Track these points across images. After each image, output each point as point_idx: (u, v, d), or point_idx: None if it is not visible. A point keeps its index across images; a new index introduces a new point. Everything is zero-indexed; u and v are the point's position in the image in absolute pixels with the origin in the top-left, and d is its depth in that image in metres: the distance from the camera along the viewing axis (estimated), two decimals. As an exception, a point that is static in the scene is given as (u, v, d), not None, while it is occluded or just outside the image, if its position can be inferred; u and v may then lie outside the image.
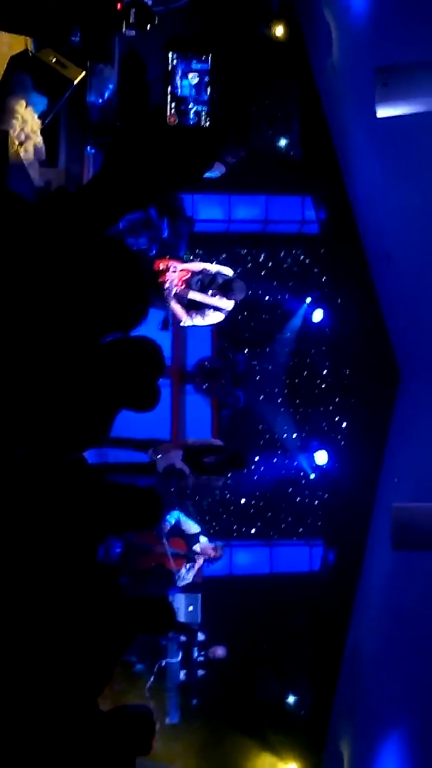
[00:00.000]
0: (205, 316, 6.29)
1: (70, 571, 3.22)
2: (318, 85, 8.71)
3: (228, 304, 6.35)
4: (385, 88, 5.55)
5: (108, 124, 6.43)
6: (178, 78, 5.59)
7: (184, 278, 6.16)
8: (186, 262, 6.72)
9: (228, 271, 6.46)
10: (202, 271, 6.32)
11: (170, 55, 5.65)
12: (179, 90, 5.60)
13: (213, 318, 6.39)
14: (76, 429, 3.08)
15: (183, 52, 5.68)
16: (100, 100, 6.11)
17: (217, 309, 6.24)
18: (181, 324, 6.24)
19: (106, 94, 6.13)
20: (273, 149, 8.91)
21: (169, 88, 5.58)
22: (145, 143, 2.87)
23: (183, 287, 6.05)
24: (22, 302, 2.73)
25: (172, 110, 5.56)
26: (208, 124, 5.58)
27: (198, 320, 6.35)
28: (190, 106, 5.59)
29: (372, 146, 7.64)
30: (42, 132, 4.36)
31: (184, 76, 5.67)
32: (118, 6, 6.21)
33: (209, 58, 5.67)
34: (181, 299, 6.17)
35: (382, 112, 5.60)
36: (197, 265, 6.31)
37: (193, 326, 6.39)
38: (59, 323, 2.87)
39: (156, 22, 5.82)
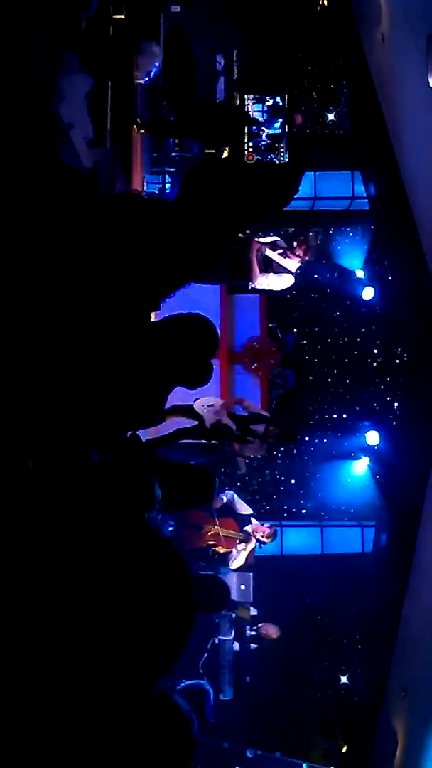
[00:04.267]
0: (278, 278, 6.32)
1: (132, 547, 3.25)
2: (367, 56, 8.49)
3: (294, 265, 6.38)
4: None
5: (157, 109, 6.42)
6: (251, 111, 5.62)
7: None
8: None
9: (276, 238, 6.49)
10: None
11: (245, 97, 5.71)
12: (252, 114, 5.63)
13: (286, 281, 6.42)
14: (132, 407, 3.09)
15: (257, 95, 5.71)
16: (146, 79, 6.08)
17: (287, 271, 6.25)
18: (253, 285, 6.30)
19: (153, 73, 6.10)
20: (321, 124, 8.75)
21: (246, 128, 5.61)
22: (225, 185, 2.86)
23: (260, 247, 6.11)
24: (76, 278, 2.73)
25: (250, 148, 5.59)
26: (286, 156, 5.59)
27: (272, 283, 6.38)
28: (263, 129, 5.61)
29: (424, 118, 7.43)
30: (88, 112, 4.35)
31: (257, 101, 5.70)
32: (163, -16, 6.17)
33: (285, 97, 5.68)
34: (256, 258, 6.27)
35: (436, 81, 5.45)
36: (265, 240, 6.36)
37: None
38: (113, 300, 2.87)
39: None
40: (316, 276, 9.09)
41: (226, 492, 6.80)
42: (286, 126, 5.51)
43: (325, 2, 8.27)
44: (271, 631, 6.89)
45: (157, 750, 2.56)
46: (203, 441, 6.51)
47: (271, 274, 6.27)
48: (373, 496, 9.21)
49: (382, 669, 8.67)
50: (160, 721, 2.76)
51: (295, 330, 9.07)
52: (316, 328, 9.22)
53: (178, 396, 3.58)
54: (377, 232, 9.04)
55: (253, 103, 5.54)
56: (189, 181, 2.85)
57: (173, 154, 7.18)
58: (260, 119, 5.53)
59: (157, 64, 6.24)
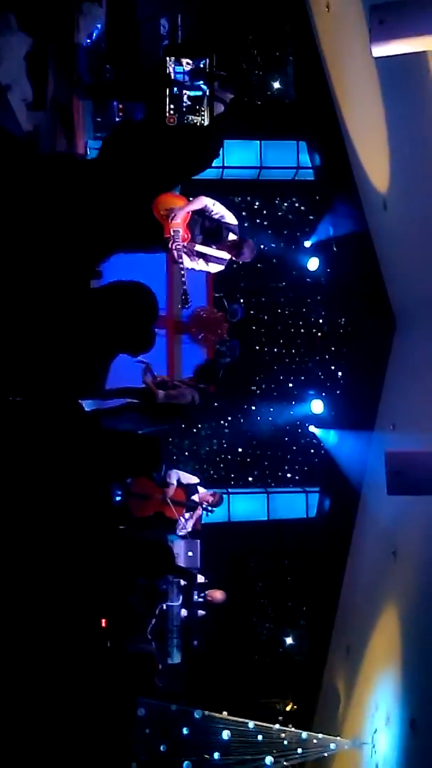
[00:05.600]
0: (206, 264, 6.19)
1: (69, 514, 3.27)
2: (313, 24, 8.45)
3: (228, 255, 6.25)
4: (381, 26, 5.40)
5: (99, 72, 6.25)
6: (173, 74, 5.48)
7: (186, 222, 5.99)
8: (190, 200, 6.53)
9: (232, 219, 6.31)
10: (205, 210, 6.15)
11: (167, 60, 5.57)
12: (173, 76, 5.50)
13: (213, 267, 6.29)
14: (74, 374, 3.08)
15: (179, 58, 5.58)
16: (88, 41, 5.94)
17: (218, 261, 6.14)
18: (181, 266, 6.12)
19: (95, 35, 5.96)
20: (266, 92, 8.71)
21: (167, 90, 5.47)
22: (144, 146, 2.82)
23: (188, 240, 5.92)
24: (16, 247, 2.70)
25: (171, 110, 5.45)
26: (207, 120, 5.47)
27: (200, 265, 6.23)
28: (184, 92, 5.49)
29: (368, 88, 7.47)
30: (28, 74, 4.24)
31: (178, 63, 5.56)
32: None
33: (208, 60, 5.57)
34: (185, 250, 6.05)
35: (378, 51, 5.46)
36: (199, 202, 6.13)
37: (190, 272, 6.28)
38: (52, 270, 2.86)
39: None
40: (262, 246, 9.11)
41: (170, 473, 6.85)
42: (208, 88, 5.43)
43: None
44: (218, 595, 7.02)
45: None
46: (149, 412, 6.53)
47: (201, 260, 6.16)
48: (317, 463, 9.40)
49: (326, 630, 8.94)
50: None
51: (241, 300, 9.11)
52: (263, 298, 9.28)
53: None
54: (322, 202, 9.10)
55: (175, 65, 5.44)
56: (109, 143, 2.83)
57: (117, 118, 7.05)
58: (182, 81, 5.43)
59: (100, 26, 6.09)
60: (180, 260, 5.77)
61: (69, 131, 5.80)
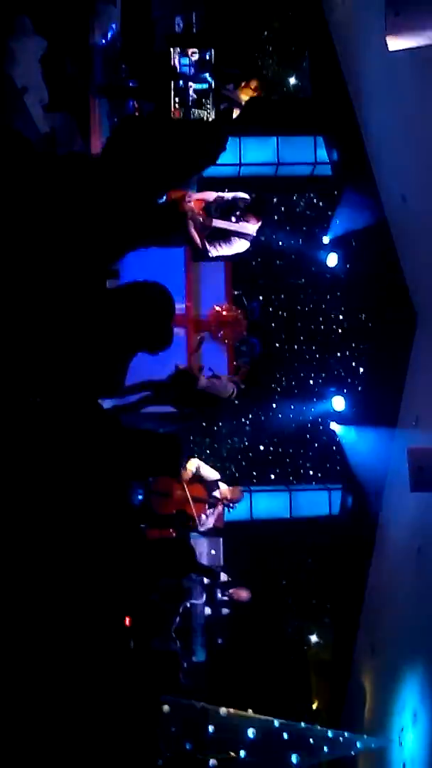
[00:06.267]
0: (231, 245, 6.12)
1: (90, 514, 3.29)
2: (328, 19, 8.41)
3: (253, 228, 6.17)
4: (397, 19, 5.37)
5: (115, 72, 6.26)
6: (178, 66, 5.46)
7: (201, 207, 5.95)
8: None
9: (243, 195, 6.26)
10: (216, 199, 6.12)
11: (171, 49, 5.53)
12: (179, 68, 5.47)
13: (239, 246, 6.20)
14: (93, 374, 3.10)
15: (184, 49, 5.55)
16: (104, 41, 5.96)
17: (242, 236, 6.06)
18: (210, 255, 6.06)
19: (110, 35, 5.97)
20: (283, 88, 8.67)
21: (172, 84, 5.44)
22: (148, 141, 2.82)
23: (204, 216, 5.86)
24: (28, 248, 2.72)
25: (176, 104, 5.42)
26: (212, 113, 5.43)
27: (225, 249, 6.15)
28: (190, 84, 5.45)
29: (385, 82, 7.41)
30: (43, 76, 4.27)
31: (184, 55, 5.52)
32: None
33: (212, 50, 5.53)
34: (204, 230, 5.97)
35: (394, 44, 5.43)
36: (211, 194, 6.11)
37: (206, 269, 6.25)
38: (67, 270, 2.87)
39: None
40: (281, 243, 9.08)
41: (193, 461, 6.85)
42: (213, 81, 5.38)
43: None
44: (243, 594, 7.01)
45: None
46: (173, 408, 6.52)
47: (223, 245, 6.06)
48: (339, 460, 9.35)
49: (351, 628, 8.89)
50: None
51: (260, 297, 9.08)
52: (282, 295, 9.24)
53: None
54: (340, 197, 9.04)
55: (180, 57, 5.40)
56: (112, 139, 2.84)
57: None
58: (187, 74, 5.38)
59: (114, 26, 6.10)
60: (203, 247, 5.70)
61: (85, 132, 5.82)
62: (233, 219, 5.90)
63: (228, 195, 5.95)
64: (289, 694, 8.81)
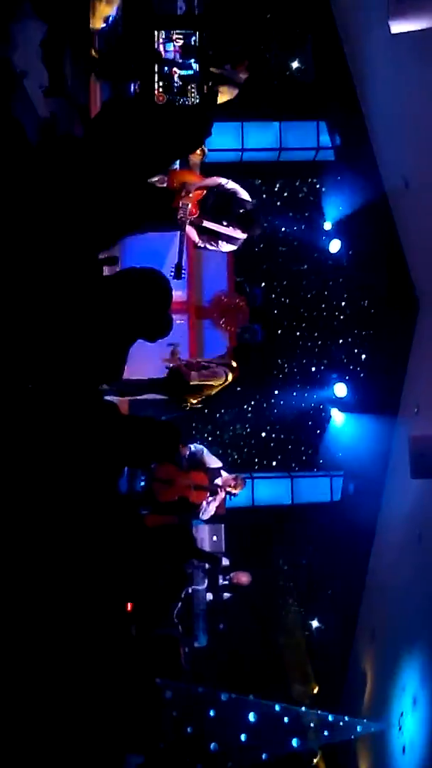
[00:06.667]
0: (217, 246, 6.09)
1: (89, 501, 3.29)
2: (331, 3, 8.32)
3: (241, 236, 6.15)
4: (399, 2, 5.33)
5: (113, 56, 6.19)
6: (162, 51, 5.38)
7: (198, 199, 5.88)
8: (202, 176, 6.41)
9: (245, 195, 6.19)
10: (218, 187, 6.05)
11: (156, 33, 5.45)
12: (164, 54, 5.39)
13: (225, 248, 6.20)
14: (90, 361, 3.09)
15: (169, 34, 5.47)
16: (104, 26, 5.90)
17: (230, 240, 6.04)
18: (196, 244, 6.03)
19: (111, 18, 5.91)
20: (285, 72, 8.59)
21: (156, 67, 5.37)
22: (132, 124, 2.80)
23: (197, 215, 5.81)
24: (25, 238, 2.71)
25: (160, 89, 5.35)
26: (197, 99, 5.35)
27: (211, 247, 6.13)
28: (174, 70, 5.38)
29: (387, 65, 7.35)
30: (44, 60, 4.23)
31: (168, 40, 5.44)
32: None
33: (197, 34, 5.45)
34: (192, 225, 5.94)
35: (397, 27, 5.39)
36: (213, 180, 6.04)
37: (207, 255, 6.18)
38: (61, 256, 2.86)
39: None
40: (283, 229, 9.03)
41: (196, 445, 6.86)
42: (198, 67, 5.30)
43: None
44: (243, 578, 7.04)
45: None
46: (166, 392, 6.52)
47: (211, 243, 6.03)
48: (341, 447, 9.35)
49: (351, 613, 8.94)
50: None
51: (263, 284, 9.05)
52: (284, 282, 9.21)
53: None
54: (343, 182, 8.98)
55: (165, 42, 5.32)
56: (95, 122, 2.82)
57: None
58: (171, 59, 5.31)
59: (116, 9, 6.03)
60: (183, 231, 5.65)
61: (86, 116, 5.77)
62: (224, 223, 5.84)
63: (230, 187, 5.85)
64: (289, 678, 8.87)
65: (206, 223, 5.76)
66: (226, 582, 6.97)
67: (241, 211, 5.75)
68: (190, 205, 5.56)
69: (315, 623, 9.20)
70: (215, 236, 5.84)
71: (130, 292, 3.05)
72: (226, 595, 6.97)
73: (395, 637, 8.00)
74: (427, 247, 8.26)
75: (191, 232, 5.71)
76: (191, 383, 6.25)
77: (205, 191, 5.72)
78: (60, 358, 2.91)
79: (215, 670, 7.33)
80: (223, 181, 5.82)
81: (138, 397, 6.37)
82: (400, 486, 8.13)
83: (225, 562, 7.08)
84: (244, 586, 7.01)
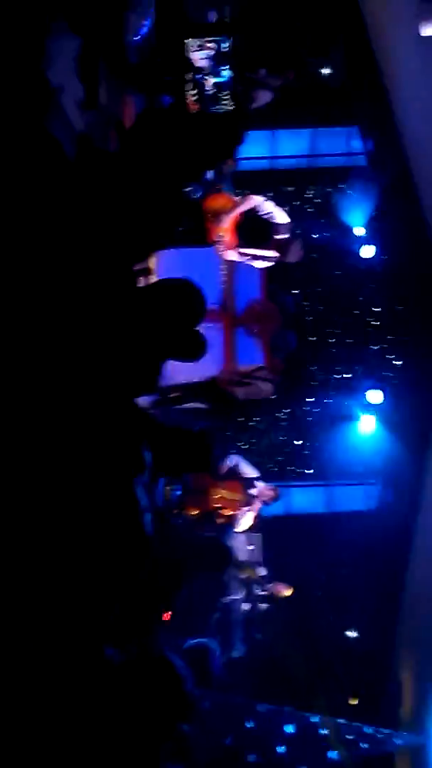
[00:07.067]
0: (252, 261, 6.12)
1: (121, 513, 3.28)
2: (361, 7, 8.29)
3: (274, 256, 6.16)
4: (429, 5, 5.29)
5: (150, 68, 6.24)
6: (195, 59, 5.41)
7: (234, 224, 5.92)
8: (235, 198, 6.43)
9: (283, 217, 6.16)
10: (255, 209, 6.04)
11: (187, 40, 5.49)
12: (196, 62, 5.41)
13: (259, 264, 6.22)
14: (124, 378, 3.09)
15: (201, 43, 5.50)
16: (137, 38, 5.94)
17: (265, 259, 6.07)
18: (222, 269, 6.08)
19: (144, 31, 5.95)
20: (316, 79, 8.57)
21: (188, 75, 5.39)
22: (166, 133, 2.81)
23: (235, 244, 5.86)
24: (54, 253, 2.73)
25: (192, 97, 5.39)
26: (231, 106, 5.37)
27: (245, 261, 6.17)
28: (207, 78, 5.40)
29: (419, 69, 7.28)
30: (78, 74, 4.26)
31: (201, 48, 5.47)
32: None
33: (230, 41, 5.47)
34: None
35: (427, 30, 5.35)
36: (248, 203, 6.03)
37: (240, 264, 6.19)
38: (93, 268, 2.86)
39: None
40: (316, 236, 9.00)
41: (231, 457, 6.84)
42: (232, 73, 5.30)
43: None
44: (282, 588, 7.00)
45: (152, 703, 2.64)
46: (209, 405, 6.52)
47: (245, 258, 6.06)
48: (377, 455, 9.26)
49: (390, 623, 8.82)
50: (155, 678, 2.83)
51: (296, 291, 9.01)
52: (318, 288, 9.16)
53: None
54: (376, 188, 8.93)
55: (197, 50, 5.34)
56: (129, 134, 2.82)
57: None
58: (205, 67, 5.32)
59: (149, 23, 6.07)
60: (224, 257, 5.69)
61: (122, 129, 5.82)
62: (261, 247, 5.84)
63: (265, 209, 5.82)
64: (328, 689, 8.77)
65: (243, 250, 5.79)
66: (264, 592, 6.93)
67: (277, 237, 5.74)
68: (226, 237, 5.60)
69: (353, 633, 9.09)
70: (250, 257, 5.87)
71: (164, 302, 3.04)
72: (263, 605, 6.94)
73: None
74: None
75: (231, 255, 5.74)
76: (239, 401, 6.24)
77: (240, 217, 5.72)
78: (93, 369, 2.91)
79: (253, 680, 7.28)
80: (258, 201, 5.82)
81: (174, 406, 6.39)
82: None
83: (262, 572, 7.05)
84: (283, 597, 6.96)
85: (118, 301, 2.97)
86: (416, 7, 5.20)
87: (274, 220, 5.92)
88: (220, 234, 5.74)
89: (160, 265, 5.20)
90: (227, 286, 7.80)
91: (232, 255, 5.84)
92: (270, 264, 6.08)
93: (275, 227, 5.90)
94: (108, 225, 2.84)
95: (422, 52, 6.61)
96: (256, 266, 6.18)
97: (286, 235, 5.97)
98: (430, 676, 7.78)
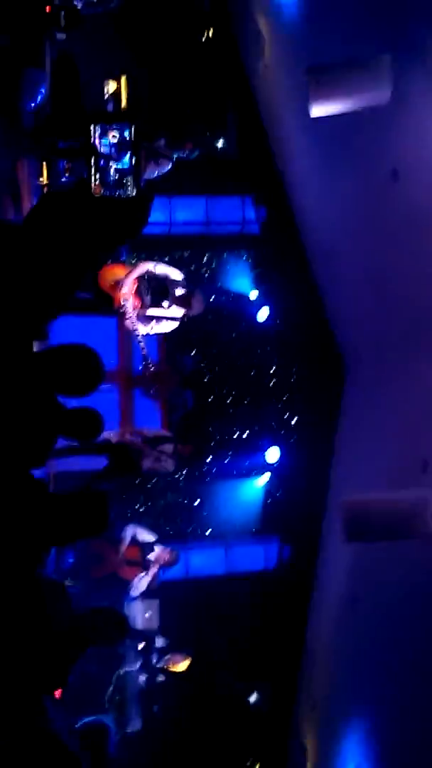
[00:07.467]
0: (158, 325, 6.26)
1: (15, 585, 3.16)
2: (252, 84, 8.76)
3: (181, 313, 6.32)
4: (318, 87, 5.62)
5: (44, 137, 6.35)
6: (99, 145, 5.63)
7: (134, 289, 6.09)
8: (128, 266, 6.63)
9: (177, 275, 6.37)
10: (147, 273, 6.23)
11: (92, 127, 5.72)
12: (100, 149, 5.64)
13: (167, 326, 6.36)
14: (18, 442, 3.02)
15: (105, 130, 5.75)
16: (32, 105, 6.02)
17: (172, 319, 6.22)
18: (138, 334, 6.19)
19: (39, 98, 6.04)
20: (211, 150, 8.91)
21: (92, 159, 5.61)
22: (69, 218, 2.88)
23: (139, 307, 6.02)
24: None
25: (96, 181, 5.59)
26: (133, 191, 5.61)
27: (153, 329, 6.30)
28: (111, 164, 5.63)
29: (308, 144, 7.72)
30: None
31: (104, 135, 5.71)
32: (47, 9, 6.15)
33: (132, 128, 5.75)
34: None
35: (316, 110, 5.66)
36: (141, 269, 6.22)
37: (137, 335, 6.33)
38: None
39: (86, 24, 5.79)
40: (211, 299, 9.20)
41: (126, 528, 6.76)
42: (134, 160, 5.55)
43: (210, 34, 8.49)
44: (179, 660, 6.84)
45: None
46: (111, 472, 6.44)
47: (152, 322, 6.23)
48: (275, 513, 9.35)
49: (291, 684, 8.78)
50: (48, 762, 2.70)
51: (192, 352, 9.13)
52: (214, 350, 9.32)
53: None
54: (268, 254, 9.29)
55: (100, 137, 5.56)
56: (32, 215, 2.86)
57: (63, 179, 7.12)
58: (108, 153, 5.55)
59: (43, 91, 6.18)
60: (135, 330, 5.84)
61: (15, 194, 5.82)
62: (165, 305, 6.03)
63: (161, 270, 6.06)
64: (230, 757, 8.57)
65: (150, 312, 5.92)
66: (161, 664, 6.76)
67: (178, 293, 5.92)
68: (131, 300, 5.73)
69: (253, 697, 8.97)
70: (158, 319, 5.99)
71: (60, 368, 3.01)
72: (161, 677, 6.76)
73: (335, 707, 7.88)
74: (349, 313, 8.56)
75: (137, 325, 5.86)
76: (144, 470, 6.23)
77: (137, 281, 5.89)
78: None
79: (150, 755, 7.02)
80: (150, 265, 6.02)
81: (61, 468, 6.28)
82: (334, 550, 8.15)
83: (160, 642, 6.90)
84: (181, 671, 6.82)
85: (14, 367, 2.92)
86: (307, 88, 5.52)
87: (170, 278, 6.09)
88: (125, 299, 5.86)
89: (54, 331, 5.17)
90: (123, 348, 7.84)
91: (141, 328, 5.96)
92: (176, 324, 6.21)
93: (173, 284, 6.07)
94: (5, 292, 2.81)
95: (311, 129, 7.01)
96: (165, 329, 6.31)
97: (185, 290, 6.15)
98: (332, 735, 7.76)
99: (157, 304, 6.02)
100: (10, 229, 2.70)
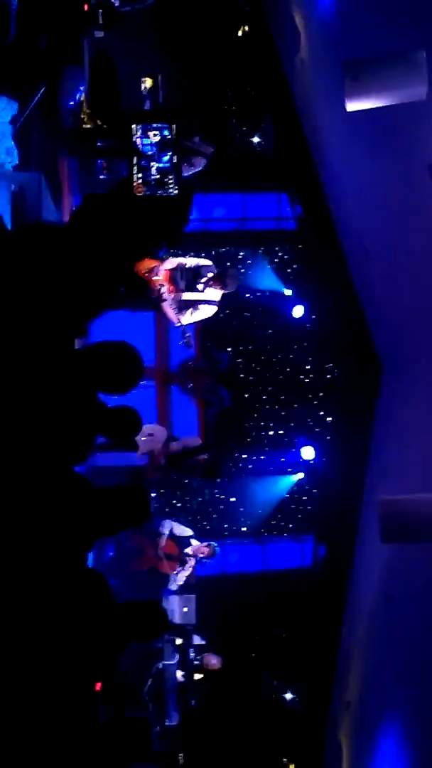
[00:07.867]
0: (197, 311, 6.29)
1: (58, 579, 3.20)
2: (289, 80, 8.72)
3: (218, 294, 6.36)
4: (354, 82, 5.58)
5: (83, 135, 6.42)
6: (140, 145, 5.69)
7: (168, 277, 6.13)
8: (164, 260, 6.68)
9: (206, 262, 6.42)
10: (178, 267, 6.28)
11: (133, 127, 5.78)
12: (141, 148, 5.70)
13: (206, 311, 6.39)
14: (60, 437, 3.05)
15: (146, 130, 5.81)
16: (72, 103, 6.08)
17: (209, 302, 6.24)
18: (177, 325, 6.24)
19: (78, 96, 6.11)
20: (247, 147, 8.91)
21: (134, 159, 5.67)
22: (111, 217, 2.90)
23: (174, 291, 6.06)
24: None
25: (138, 181, 5.64)
26: (175, 189, 5.65)
27: (193, 316, 6.34)
28: (152, 164, 5.68)
29: (344, 140, 7.66)
30: (14, 136, 4.32)
31: (145, 135, 5.77)
32: (85, 7, 6.21)
33: (172, 128, 5.80)
34: (173, 303, 6.18)
35: (352, 105, 5.62)
36: (172, 262, 6.27)
37: (181, 325, 6.38)
38: (32, 336, 2.85)
39: (123, 22, 5.84)
40: (248, 295, 9.20)
41: (164, 522, 6.80)
42: (175, 158, 5.59)
43: (246, 28, 8.47)
44: (214, 661, 6.86)
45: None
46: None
47: (192, 311, 6.27)
48: (311, 510, 9.32)
49: (326, 683, 8.73)
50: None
51: (229, 349, 9.14)
52: (250, 347, 9.32)
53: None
54: (304, 251, 9.25)
55: (141, 137, 5.61)
56: (76, 215, 2.88)
57: (101, 176, 7.18)
58: (149, 153, 5.60)
59: (82, 88, 6.24)
60: (178, 321, 5.89)
61: (56, 191, 5.89)
62: (200, 287, 6.06)
63: (191, 262, 6.12)
64: (264, 756, 8.57)
65: (185, 296, 5.96)
66: (197, 662, 6.79)
67: (210, 274, 5.95)
68: (166, 285, 5.77)
69: (289, 695, 8.96)
70: (194, 304, 6.02)
71: (101, 366, 3.03)
72: (197, 675, 6.78)
73: (370, 707, 7.82)
74: (387, 311, 8.47)
75: (170, 312, 5.90)
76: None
77: (169, 272, 5.94)
78: (27, 436, 2.86)
79: (188, 748, 7.05)
80: (181, 260, 6.07)
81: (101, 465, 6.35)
82: (370, 550, 8.09)
83: (198, 640, 6.92)
84: (214, 669, 6.83)
85: (56, 366, 2.95)
86: (343, 83, 5.48)
87: (200, 265, 6.16)
88: (161, 283, 5.91)
89: (93, 327, 5.23)
90: (161, 344, 7.88)
91: (170, 313, 5.98)
92: (215, 308, 6.24)
93: (204, 268, 6.13)
94: (47, 291, 2.84)
95: (347, 124, 6.96)
96: (204, 315, 6.32)
97: (216, 271, 6.21)
98: (367, 735, 7.70)
99: (191, 288, 6.07)
100: (54, 231, 2.73)
